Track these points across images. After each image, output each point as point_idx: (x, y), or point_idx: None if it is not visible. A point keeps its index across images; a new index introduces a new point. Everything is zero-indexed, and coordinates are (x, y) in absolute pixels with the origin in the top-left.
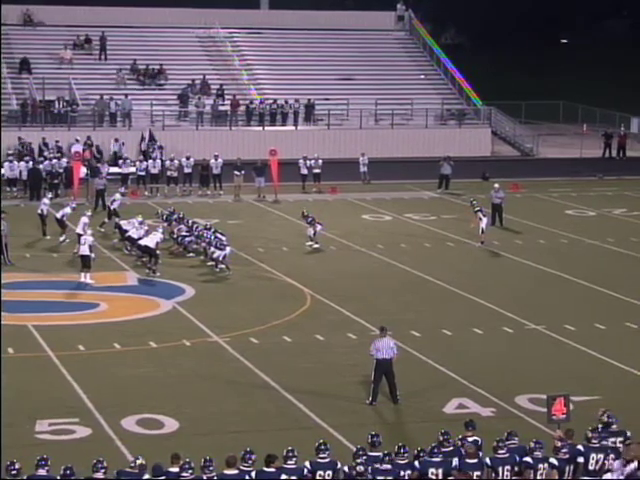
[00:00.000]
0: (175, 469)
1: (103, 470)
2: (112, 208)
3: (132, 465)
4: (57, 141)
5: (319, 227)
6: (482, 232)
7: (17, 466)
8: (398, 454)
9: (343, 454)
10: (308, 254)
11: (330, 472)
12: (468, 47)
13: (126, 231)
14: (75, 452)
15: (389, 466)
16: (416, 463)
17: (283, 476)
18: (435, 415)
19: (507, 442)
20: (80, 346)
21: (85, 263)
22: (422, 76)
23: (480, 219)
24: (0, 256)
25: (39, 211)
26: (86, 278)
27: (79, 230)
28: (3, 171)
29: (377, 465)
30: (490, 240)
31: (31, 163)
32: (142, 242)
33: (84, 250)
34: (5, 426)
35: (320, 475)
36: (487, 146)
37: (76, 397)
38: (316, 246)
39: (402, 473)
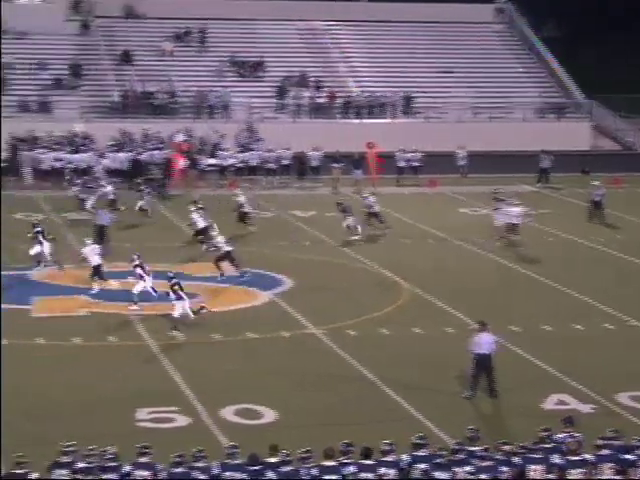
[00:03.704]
0: (273, 460)
1: (203, 460)
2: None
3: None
4: (157, 132)
5: (351, 219)
6: None
7: (113, 451)
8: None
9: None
10: (405, 247)
11: (425, 465)
12: (568, 40)
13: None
14: (175, 440)
15: (490, 462)
16: (516, 459)
17: (382, 469)
18: (533, 411)
19: (609, 439)
20: (179, 336)
21: None
22: (520, 69)
23: None
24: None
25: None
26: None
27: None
28: (107, 162)
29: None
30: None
31: (132, 154)
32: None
33: None
34: (106, 413)
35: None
36: (587, 140)
37: (176, 386)
38: (355, 237)
39: (502, 469)
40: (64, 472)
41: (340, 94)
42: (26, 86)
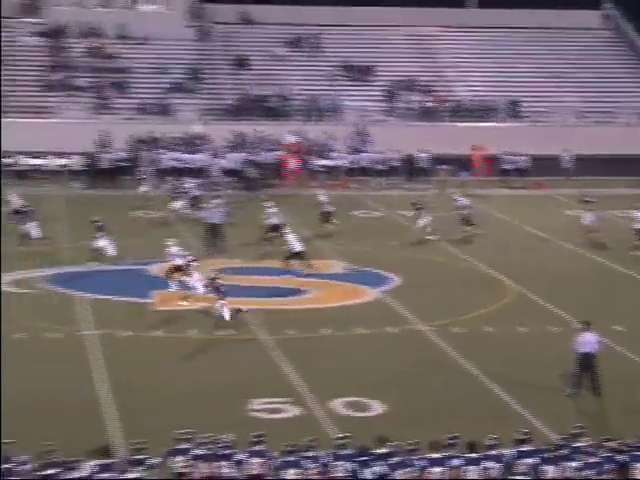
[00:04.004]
0: (381, 451)
1: (314, 449)
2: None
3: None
4: (269, 134)
5: (425, 219)
6: None
7: (229, 439)
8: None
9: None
10: (510, 247)
11: (531, 460)
12: None
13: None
14: (286, 430)
15: (596, 459)
16: (620, 457)
17: (487, 463)
18: (637, 409)
19: None
20: (291, 330)
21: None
22: (625, 74)
23: None
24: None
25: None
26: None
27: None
28: (223, 162)
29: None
30: None
31: (246, 154)
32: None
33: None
34: (221, 403)
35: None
36: None
37: (287, 378)
38: (431, 237)
39: (606, 467)
40: (181, 459)
41: (448, 98)
42: (147, 89)
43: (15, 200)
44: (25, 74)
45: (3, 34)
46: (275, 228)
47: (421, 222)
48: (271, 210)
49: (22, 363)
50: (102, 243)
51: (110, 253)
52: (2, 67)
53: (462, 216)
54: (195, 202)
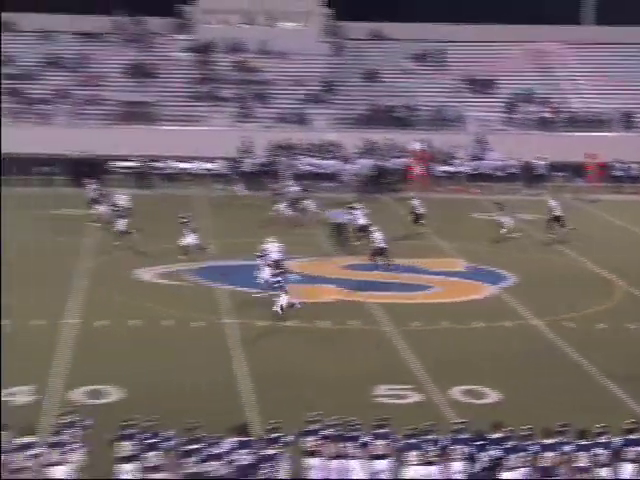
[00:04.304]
0: (496, 435)
1: (433, 433)
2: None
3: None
4: (397, 142)
5: (507, 219)
6: None
7: (355, 422)
8: None
9: None
10: (620, 249)
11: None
12: None
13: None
14: (408, 415)
15: None
16: None
17: (596, 449)
18: None
19: None
20: (415, 322)
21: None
22: None
23: None
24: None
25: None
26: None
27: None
28: (355, 167)
29: None
30: None
31: (374, 160)
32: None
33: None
34: (348, 388)
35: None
36: None
37: (409, 367)
38: (513, 235)
39: None
40: (311, 439)
41: (564, 109)
42: (285, 100)
43: (119, 199)
44: (176, 86)
45: (157, 49)
46: (363, 228)
47: (504, 221)
48: (360, 211)
49: (169, 348)
50: (189, 240)
51: (197, 249)
52: (146, 79)
53: (554, 217)
54: (295, 203)
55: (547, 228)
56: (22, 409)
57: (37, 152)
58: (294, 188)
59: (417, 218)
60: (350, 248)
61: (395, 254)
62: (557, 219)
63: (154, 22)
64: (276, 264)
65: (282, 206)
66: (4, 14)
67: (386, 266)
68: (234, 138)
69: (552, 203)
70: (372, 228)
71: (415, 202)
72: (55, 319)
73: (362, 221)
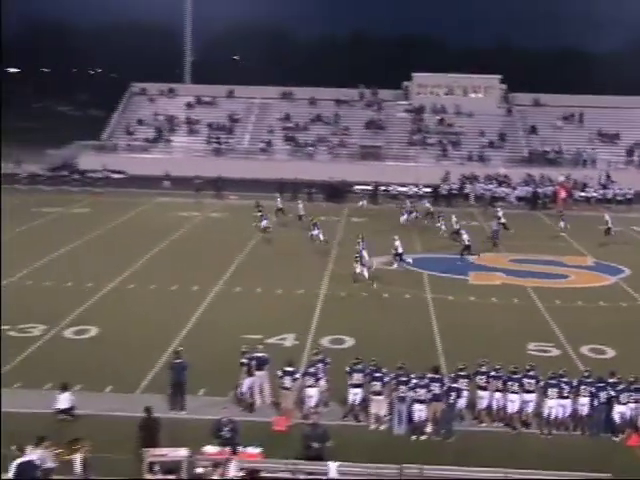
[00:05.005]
0: (612, 380)
1: (567, 377)
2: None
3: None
4: (549, 175)
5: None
6: None
7: (516, 366)
8: None
9: None
10: None
11: None
12: None
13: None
14: (550, 364)
15: None
16: None
17: None
18: None
19: None
20: (557, 300)
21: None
22: None
23: None
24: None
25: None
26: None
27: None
28: (517, 192)
29: None
30: None
31: (532, 188)
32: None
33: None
34: (505, 344)
35: None
36: None
37: (553, 330)
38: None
39: None
40: (483, 377)
41: None
42: (471, 145)
43: (299, 208)
44: (398, 135)
45: (386, 110)
46: (457, 231)
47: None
48: (455, 220)
49: (387, 312)
50: (315, 232)
51: (321, 239)
52: (378, 130)
53: None
54: (410, 217)
55: None
56: (288, 349)
57: (304, 178)
58: (410, 205)
59: (608, 230)
60: (497, 247)
61: (543, 252)
62: None
63: (384, 92)
64: (398, 256)
65: (403, 218)
66: (289, 88)
67: (473, 259)
68: (437, 171)
69: None
70: (462, 231)
71: (607, 217)
72: (312, 289)
73: (456, 227)
